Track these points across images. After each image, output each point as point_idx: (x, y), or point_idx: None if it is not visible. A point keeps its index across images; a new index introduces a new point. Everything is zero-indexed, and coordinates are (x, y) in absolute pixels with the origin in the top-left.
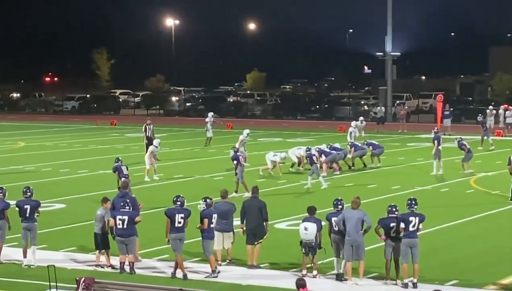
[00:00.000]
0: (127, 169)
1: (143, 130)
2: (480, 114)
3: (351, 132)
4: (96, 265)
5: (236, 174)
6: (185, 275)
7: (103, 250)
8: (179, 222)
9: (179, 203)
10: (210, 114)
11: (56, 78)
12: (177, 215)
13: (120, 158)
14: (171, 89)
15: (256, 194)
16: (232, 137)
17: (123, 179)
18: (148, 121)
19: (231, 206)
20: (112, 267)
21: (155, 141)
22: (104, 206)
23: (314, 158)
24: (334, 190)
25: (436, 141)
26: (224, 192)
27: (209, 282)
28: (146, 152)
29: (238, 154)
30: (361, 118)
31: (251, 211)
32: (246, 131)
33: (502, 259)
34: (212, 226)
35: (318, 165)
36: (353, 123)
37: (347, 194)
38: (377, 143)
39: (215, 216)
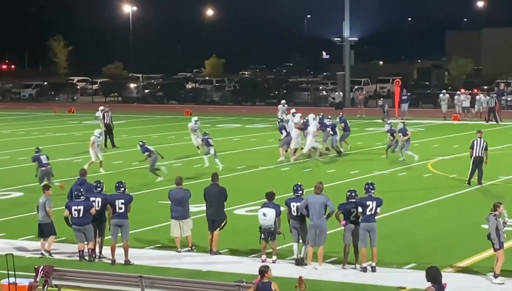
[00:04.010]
0: (48, 158)
1: (101, 117)
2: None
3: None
4: (41, 253)
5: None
6: (113, 261)
7: (47, 237)
8: (120, 208)
9: (122, 189)
10: (101, 108)
11: (13, 66)
12: (117, 201)
13: (40, 148)
14: (130, 76)
15: (216, 181)
16: None
17: (42, 168)
18: (106, 108)
19: (186, 192)
20: (49, 253)
21: (96, 131)
22: (46, 192)
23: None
24: (293, 175)
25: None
26: (179, 179)
27: (169, 268)
28: (105, 139)
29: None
30: (283, 101)
31: (210, 197)
32: (194, 118)
33: (459, 242)
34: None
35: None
36: (292, 110)
37: (306, 179)
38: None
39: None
